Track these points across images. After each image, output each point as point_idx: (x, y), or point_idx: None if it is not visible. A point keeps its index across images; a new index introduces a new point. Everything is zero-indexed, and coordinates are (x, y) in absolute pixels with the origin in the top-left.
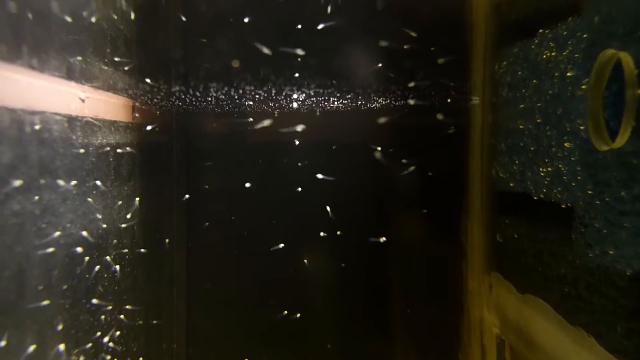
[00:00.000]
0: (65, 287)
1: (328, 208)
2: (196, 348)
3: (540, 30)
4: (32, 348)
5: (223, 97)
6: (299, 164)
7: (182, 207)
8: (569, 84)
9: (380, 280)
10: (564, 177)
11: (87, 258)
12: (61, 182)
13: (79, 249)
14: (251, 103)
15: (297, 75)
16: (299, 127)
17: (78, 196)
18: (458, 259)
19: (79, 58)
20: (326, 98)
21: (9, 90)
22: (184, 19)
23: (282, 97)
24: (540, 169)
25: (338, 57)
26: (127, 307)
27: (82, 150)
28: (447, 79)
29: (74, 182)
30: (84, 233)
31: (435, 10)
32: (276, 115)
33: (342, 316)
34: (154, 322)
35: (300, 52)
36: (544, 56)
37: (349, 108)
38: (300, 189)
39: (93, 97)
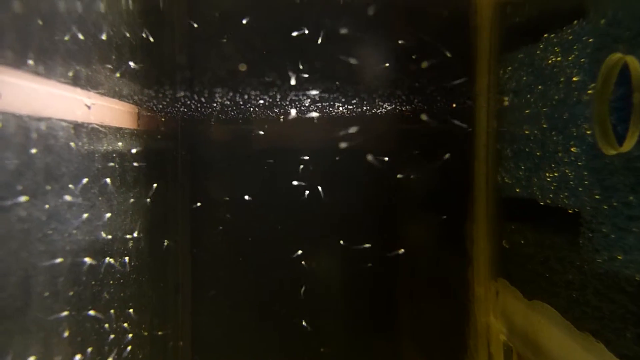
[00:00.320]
0: (71, 293)
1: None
2: (202, 354)
3: (546, 35)
4: (36, 355)
5: (228, 102)
6: (304, 170)
7: (187, 213)
8: (575, 89)
9: (385, 287)
10: (571, 182)
11: (92, 264)
12: (66, 189)
13: (84, 256)
14: (256, 109)
15: (302, 79)
16: (304, 133)
17: (83, 202)
18: (464, 266)
19: (85, 64)
20: (331, 103)
21: (16, 96)
22: (190, 24)
23: (287, 103)
24: (547, 174)
25: (342, 61)
26: (132, 314)
27: (87, 157)
28: (451, 84)
29: (79, 189)
30: (89, 239)
31: (440, 15)
32: (281, 121)
33: (348, 323)
34: (159, 328)
35: (305, 55)
36: (549, 61)
37: (354, 114)
38: (305, 195)
39: (98, 104)
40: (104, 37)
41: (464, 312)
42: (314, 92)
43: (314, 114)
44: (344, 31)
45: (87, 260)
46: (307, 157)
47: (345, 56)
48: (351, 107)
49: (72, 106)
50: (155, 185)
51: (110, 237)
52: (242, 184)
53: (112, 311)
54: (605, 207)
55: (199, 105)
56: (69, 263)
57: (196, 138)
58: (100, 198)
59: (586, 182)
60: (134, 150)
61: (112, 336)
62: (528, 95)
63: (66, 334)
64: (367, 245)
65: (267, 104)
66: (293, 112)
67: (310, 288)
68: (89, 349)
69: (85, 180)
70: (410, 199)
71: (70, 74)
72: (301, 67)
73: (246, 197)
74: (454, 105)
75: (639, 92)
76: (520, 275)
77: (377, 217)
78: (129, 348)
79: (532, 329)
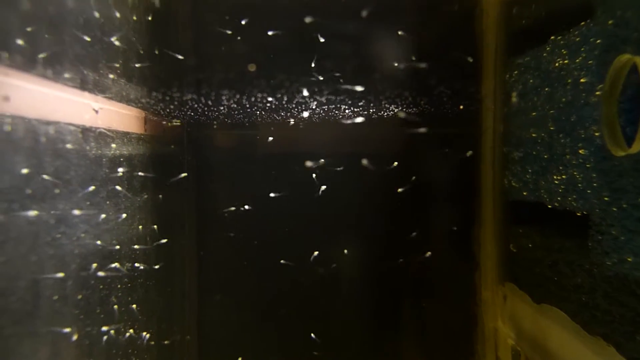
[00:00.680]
0: (79, 297)
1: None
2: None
3: (552, 37)
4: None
5: (235, 105)
6: (310, 174)
7: (193, 218)
8: (582, 91)
9: (392, 291)
10: (579, 185)
11: (99, 269)
12: (74, 193)
13: (92, 260)
14: (263, 112)
15: (309, 81)
16: (310, 136)
17: (91, 207)
18: (471, 270)
19: (92, 68)
20: (337, 106)
21: (24, 99)
22: (195, 25)
23: (294, 105)
24: (554, 177)
25: (348, 64)
26: (140, 318)
27: (95, 161)
28: (458, 88)
29: (87, 193)
30: (97, 243)
31: (446, 18)
32: (288, 124)
33: (355, 328)
34: (166, 334)
35: (312, 57)
36: (556, 64)
37: (361, 116)
38: (311, 199)
39: (106, 108)
40: (111, 40)
41: (471, 317)
42: (321, 94)
43: (320, 117)
44: (349, 35)
45: (93, 263)
46: (312, 161)
47: (351, 59)
48: (357, 109)
49: (80, 110)
50: (161, 189)
51: (116, 241)
52: (248, 188)
53: (119, 316)
54: (615, 209)
55: (205, 108)
56: (77, 266)
57: (202, 143)
58: (107, 202)
59: (595, 184)
60: (140, 155)
61: (117, 340)
62: (535, 98)
63: (75, 337)
64: (373, 249)
65: (273, 106)
66: (299, 115)
67: (317, 292)
68: (94, 351)
69: (92, 184)
70: (416, 203)
71: (78, 77)
72: (307, 69)
73: (252, 202)
74: (461, 107)
75: None
76: (528, 279)
77: (383, 221)
78: (135, 352)
79: (540, 333)
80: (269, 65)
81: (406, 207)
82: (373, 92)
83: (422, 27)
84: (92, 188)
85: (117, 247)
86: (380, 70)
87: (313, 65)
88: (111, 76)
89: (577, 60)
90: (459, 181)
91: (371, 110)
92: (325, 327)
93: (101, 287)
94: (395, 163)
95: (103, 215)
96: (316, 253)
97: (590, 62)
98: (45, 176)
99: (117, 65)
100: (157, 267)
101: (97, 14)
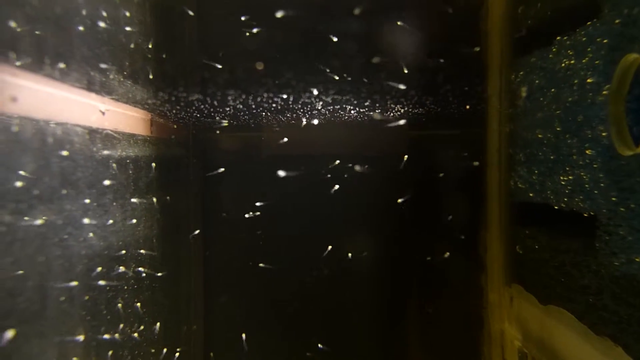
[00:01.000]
0: (86, 298)
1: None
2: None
3: (558, 38)
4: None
5: (240, 106)
6: (316, 176)
7: (199, 220)
8: (589, 91)
9: (398, 293)
10: (586, 185)
11: (105, 270)
12: (81, 194)
13: (98, 261)
14: (268, 114)
15: (316, 82)
16: (316, 138)
17: (97, 208)
18: (477, 272)
19: (99, 70)
20: (342, 106)
21: (32, 100)
22: (200, 27)
23: (299, 106)
24: (561, 178)
25: (354, 65)
26: (146, 320)
27: (102, 163)
28: (464, 87)
29: (93, 194)
30: (103, 244)
31: (452, 18)
32: (294, 125)
33: (362, 330)
34: (173, 336)
35: (319, 58)
36: (563, 65)
37: (366, 117)
38: (317, 201)
39: (113, 110)
40: (117, 41)
41: (477, 319)
42: (327, 94)
43: (326, 118)
44: (354, 35)
45: (100, 264)
46: (318, 163)
47: (356, 60)
48: (363, 109)
49: (87, 111)
50: (167, 191)
51: (122, 243)
52: (253, 190)
53: (125, 318)
54: (622, 209)
55: (211, 109)
56: (83, 267)
57: (207, 144)
58: (114, 203)
59: (602, 185)
60: (146, 157)
61: (124, 343)
62: (541, 98)
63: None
64: (379, 252)
65: (279, 107)
66: (305, 116)
67: (323, 293)
68: (100, 353)
69: (99, 185)
70: (422, 205)
71: (85, 80)
72: (314, 69)
73: (258, 204)
74: (468, 106)
75: None
76: (535, 281)
77: (389, 223)
78: (142, 354)
79: (547, 335)
80: (276, 64)
81: (411, 209)
82: (378, 92)
83: (428, 27)
84: (98, 188)
85: (122, 247)
86: (386, 69)
87: (318, 64)
88: (118, 77)
89: (584, 60)
90: (465, 183)
91: (377, 111)
92: (331, 328)
93: (107, 288)
94: (401, 164)
95: (109, 217)
96: (322, 254)
97: (597, 61)
98: (51, 178)
99: (124, 66)
100: (162, 268)
101: (104, 14)
